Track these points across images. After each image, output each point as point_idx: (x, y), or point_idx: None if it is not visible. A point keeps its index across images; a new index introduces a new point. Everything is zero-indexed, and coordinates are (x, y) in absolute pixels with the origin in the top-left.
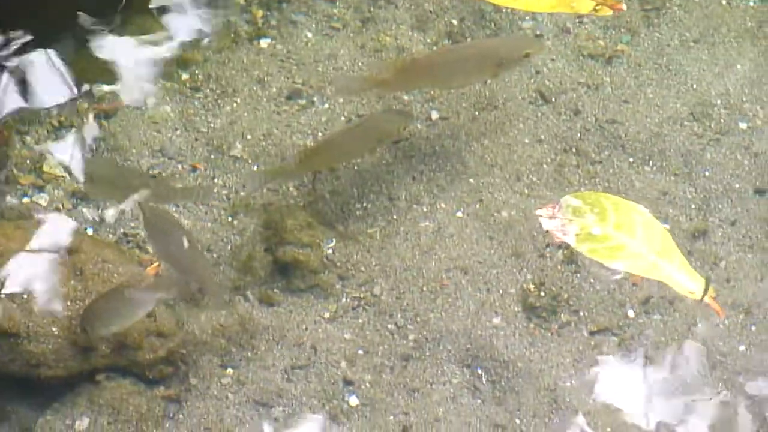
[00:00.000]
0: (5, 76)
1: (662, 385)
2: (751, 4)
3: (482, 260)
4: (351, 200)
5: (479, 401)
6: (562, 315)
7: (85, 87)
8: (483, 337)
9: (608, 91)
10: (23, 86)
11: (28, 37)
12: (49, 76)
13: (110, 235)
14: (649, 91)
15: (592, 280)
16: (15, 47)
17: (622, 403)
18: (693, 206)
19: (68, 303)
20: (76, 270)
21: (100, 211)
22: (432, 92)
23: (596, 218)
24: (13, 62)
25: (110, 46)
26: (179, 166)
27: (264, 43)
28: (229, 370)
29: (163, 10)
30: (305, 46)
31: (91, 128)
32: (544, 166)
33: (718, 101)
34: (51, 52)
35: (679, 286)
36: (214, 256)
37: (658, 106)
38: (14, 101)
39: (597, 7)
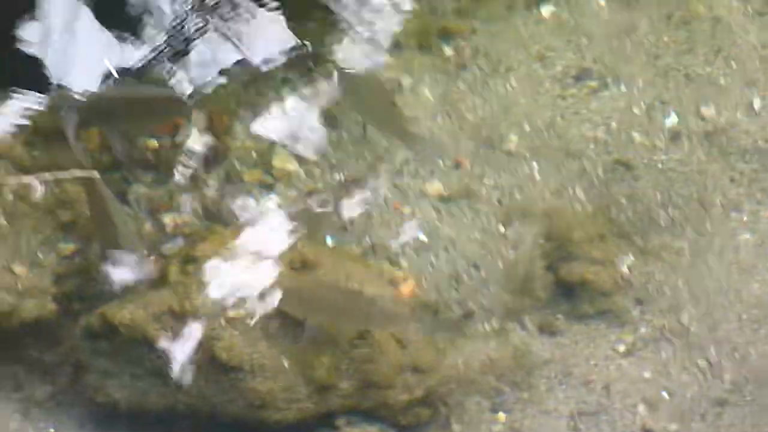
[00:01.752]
0: (222, 42)
1: None
2: None
3: None
4: (653, 206)
5: None
6: None
7: (323, 61)
8: None
9: None
10: (246, 59)
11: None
12: (277, 47)
13: (354, 246)
14: None
15: None
16: (233, 11)
17: None
18: None
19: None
20: None
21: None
22: (755, 74)
23: None
24: (231, 23)
25: (351, 8)
26: (440, 162)
27: (546, 11)
28: (501, 415)
29: None
30: (597, 15)
31: (333, 112)
32: None
33: None
34: (279, 9)
35: None
36: (482, 274)
37: None
38: (235, 78)
39: None
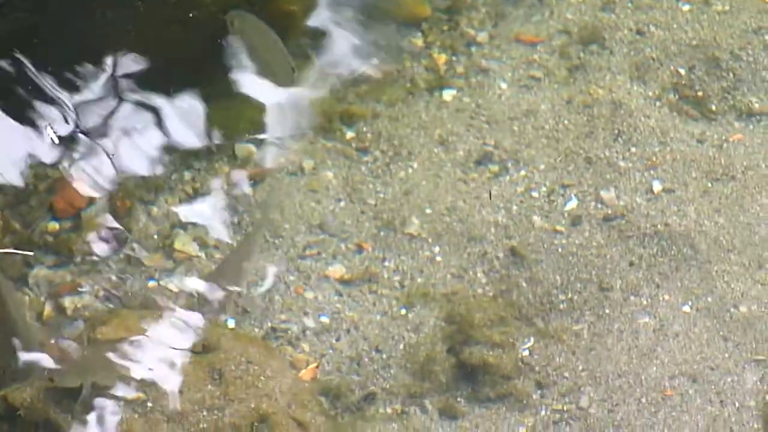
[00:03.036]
0: (124, 128)
1: None
2: None
3: (714, 366)
4: (553, 289)
5: None
6: None
7: (226, 145)
8: None
9: None
10: (149, 143)
11: (155, 81)
12: (180, 131)
13: (256, 329)
14: None
15: None
16: (139, 91)
17: None
18: None
19: (203, 413)
20: (214, 372)
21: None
22: (654, 158)
23: None
24: (135, 112)
25: (257, 95)
26: (342, 245)
27: (447, 95)
28: None
29: (322, 51)
30: (498, 99)
31: (234, 197)
32: None
33: None
34: (184, 100)
35: None
36: (384, 357)
37: None
38: (137, 162)
39: None
